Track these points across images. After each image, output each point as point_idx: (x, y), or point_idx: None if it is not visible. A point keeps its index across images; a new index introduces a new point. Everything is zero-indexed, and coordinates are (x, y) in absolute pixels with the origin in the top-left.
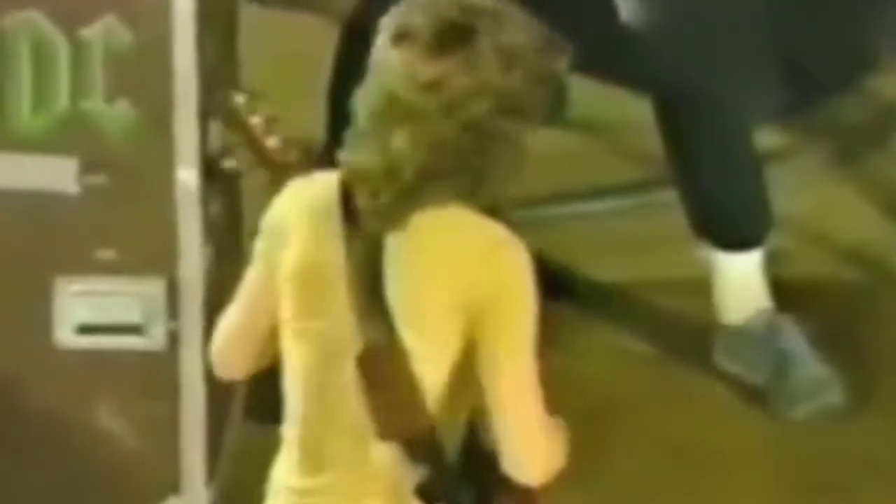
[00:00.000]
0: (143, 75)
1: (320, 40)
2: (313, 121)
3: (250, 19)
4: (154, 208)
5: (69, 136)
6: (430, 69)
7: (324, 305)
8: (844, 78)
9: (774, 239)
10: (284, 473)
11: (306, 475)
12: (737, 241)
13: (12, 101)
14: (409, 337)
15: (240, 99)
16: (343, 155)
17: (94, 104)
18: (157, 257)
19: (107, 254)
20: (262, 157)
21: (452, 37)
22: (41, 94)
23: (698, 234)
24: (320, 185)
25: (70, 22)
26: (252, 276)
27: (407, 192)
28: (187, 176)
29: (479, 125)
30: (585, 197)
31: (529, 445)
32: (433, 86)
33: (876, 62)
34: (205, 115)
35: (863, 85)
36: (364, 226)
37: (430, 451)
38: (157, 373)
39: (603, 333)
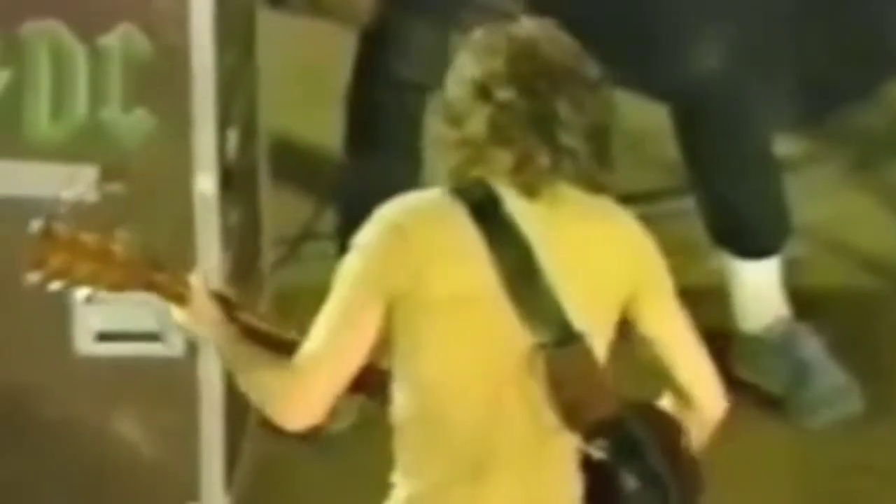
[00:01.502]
0: (162, 83)
1: (338, 48)
2: (331, 128)
3: (268, 27)
4: (172, 216)
5: (88, 144)
6: None
7: (486, 317)
8: (863, 86)
9: (793, 247)
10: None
11: (464, 496)
12: (755, 250)
13: (31, 109)
14: (586, 312)
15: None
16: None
17: (113, 112)
18: (176, 265)
19: None
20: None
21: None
22: (60, 102)
23: (716, 242)
24: (428, 204)
25: (88, 30)
26: (349, 302)
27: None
28: (205, 183)
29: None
30: None
31: (715, 386)
32: None
33: (895, 70)
34: (223, 123)
35: (882, 93)
36: (509, 226)
37: (614, 427)
38: (176, 380)
39: (621, 341)
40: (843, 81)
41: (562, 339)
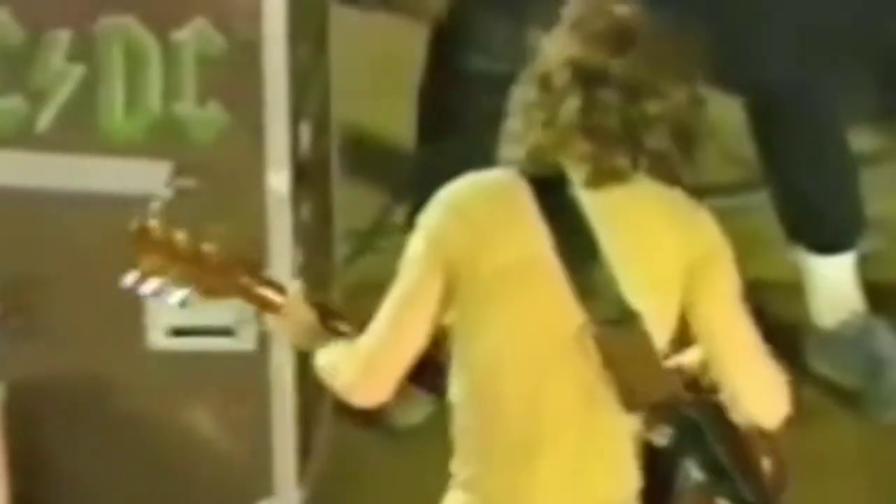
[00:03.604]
0: (235, 78)
1: (410, 41)
2: (403, 121)
3: (341, 21)
4: (245, 211)
5: (161, 139)
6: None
7: (543, 295)
8: None
9: (868, 242)
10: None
11: (513, 475)
12: (830, 244)
13: (105, 104)
14: (643, 296)
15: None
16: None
17: (186, 107)
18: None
19: None
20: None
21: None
22: (134, 97)
23: (791, 236)
24: (490, 182)
25: (162, 25)
26: (412, 285)
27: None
28: (278, 179)
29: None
30: None
31: (776, 386)
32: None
33: None
34: (296, 118)
35: None
36: (567, 206)
37: (678, 414)
38: (248, 375)
39: None
40: None
41: (618, 319)
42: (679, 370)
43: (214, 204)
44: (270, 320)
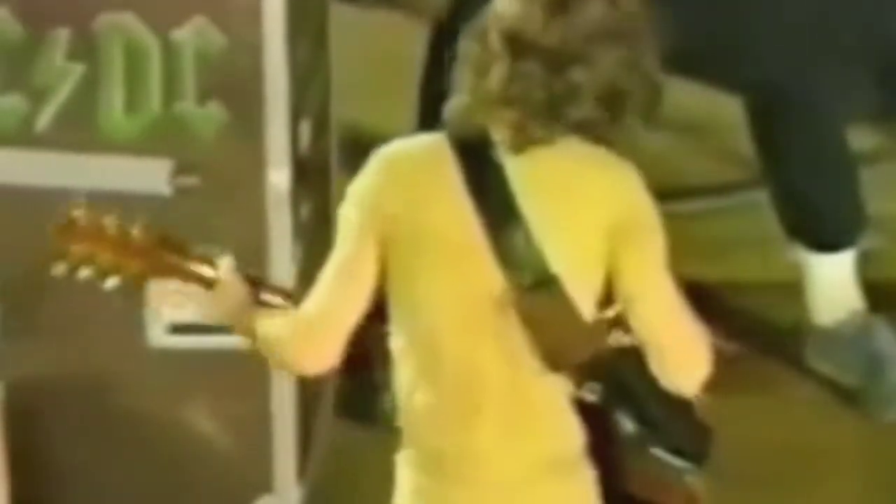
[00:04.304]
0: (235, 76)
1: (411, 40)
2: (403, 119)
3: (341, 19)
4: (245, 209)
5: (161, 137)
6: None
7: (465, 259)
8: None
9: (867, 240)
10: (429, 437)
11: (456, 431)
12: (829, 242)
13: (106, 103)
14: (565, 258)
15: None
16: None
17: (186, 106)
18: (248, 257)
19: None
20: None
21: None
22: (134, 96)
23: (790, 234)
24: (417, 146)
25: (162, 24)
26: (348, 253)
27: (549, 120)
28: (278, 177)
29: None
30: (676, 197)
31: (695, 352)
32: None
33: None
34: (296, 116)
35: None
36: (493, 167)
37: (607, 371)
38: (248, 372)
39: None
40: None
41: (538, 283)
42: (616, 321)
43: (214, 202)
44: (202, 297)
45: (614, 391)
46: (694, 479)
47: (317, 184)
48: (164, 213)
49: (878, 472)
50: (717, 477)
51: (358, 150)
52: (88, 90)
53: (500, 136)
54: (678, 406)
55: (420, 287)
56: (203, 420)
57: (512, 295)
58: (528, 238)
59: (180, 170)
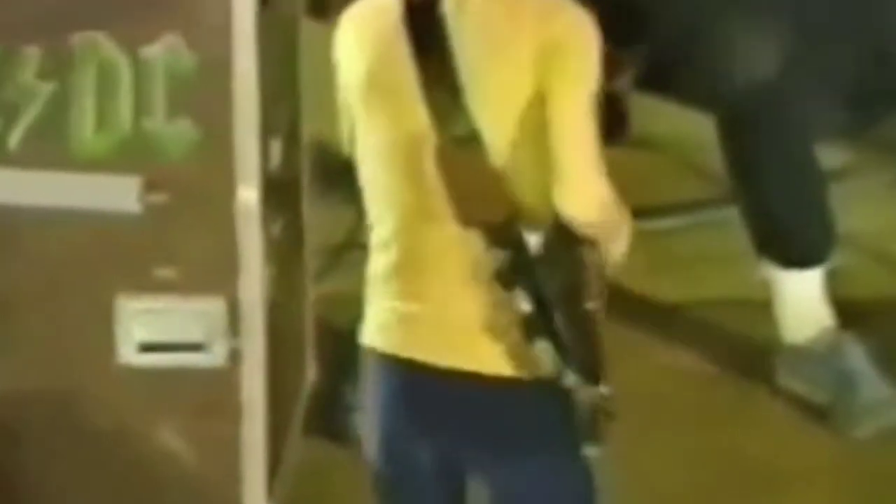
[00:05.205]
0: (205, 94)
1: None
2: None
3: (312, 36)
4: (215, 226)
5: (131, 155)
6: None
7: (401, 108)
8: None
9: (838, 257)
10: (384, 278)
11: (407, 282)
12: (799, 259)
13: (76, 120)
14: (491, 116)
15: None
16: None
17: (156, 123)
18: (218, 275)
19: (168, 272)
20: None
21: None
22: (104, 113)
23: (761, 251)
24: (372, 1)
25: (132, 42)
26: (341, 103)
27: None
28: (249, 194)
29: None
30: (647, 214)
31: (587, 178)
32: None
33: None
34: (266, 134)
35: None
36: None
37: (509, 237)
38: (218, 390)
39: (665, 352)
40: (888, 92)
41: (462, 136)
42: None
43: (185, 219)
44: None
45: (519, 265)
46: (572, 380)
47: (288, 201)
48: (134, 230)
49: (850, 488)
50: (688, 495)
51: (329, 167)
52: (59, 108)
53: None
54: (574, 306)
55: (362, 131)
56: (173, 439)
57: (436, 145)
58: (456, 90)
59: (150, 187)
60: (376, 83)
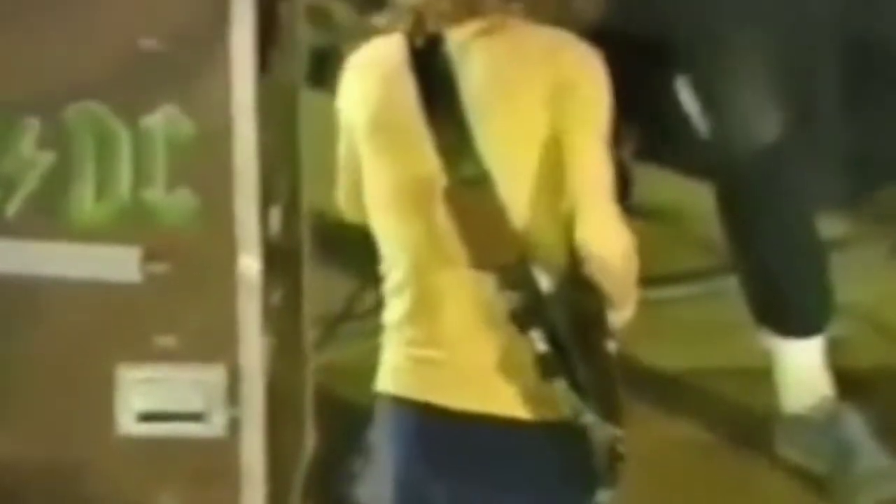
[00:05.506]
0: (204, 163)
1: None
2: None
3: (312, 105)
4: (215, 295)
5: (131, 224)
6: None
7: (409, 151)
8: None
9: (837, 327)
10: (399, 324)
11: (421, 326)
12: (798, 329)
13: (75, 191)
14: (500, 156)
15: None
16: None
17: (156, 193)
18: (218, 344)
19: (168, 341)
20: None
21: None
22: (104, 183)
23: (760, 321)
24: (380, 45)
25: (131, 111)
26: (343, 153)
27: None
28: (248, 263)
29: None
30: (646, 284)
31: (610, 214)
32: None
33: None
34: (266, 202)
35: None
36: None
37: (522, 278)
38: (218, 460)
39: (664, 421)
40: (887, 161)
41: (471, 177)
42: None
43: (184, 289)
44: None
45: (532, 306)
46: (590, 419)
47: (288, 270)
48: (134, 299)
49: None
50: None
51: (329, 236)
52: (58, 178)
53: (448, 26)
54: (592, 336)
55: (370, 176)
56: None
57: (445, 187)
58: (464, 131)
59: (150, 256)
60: (383, 126)
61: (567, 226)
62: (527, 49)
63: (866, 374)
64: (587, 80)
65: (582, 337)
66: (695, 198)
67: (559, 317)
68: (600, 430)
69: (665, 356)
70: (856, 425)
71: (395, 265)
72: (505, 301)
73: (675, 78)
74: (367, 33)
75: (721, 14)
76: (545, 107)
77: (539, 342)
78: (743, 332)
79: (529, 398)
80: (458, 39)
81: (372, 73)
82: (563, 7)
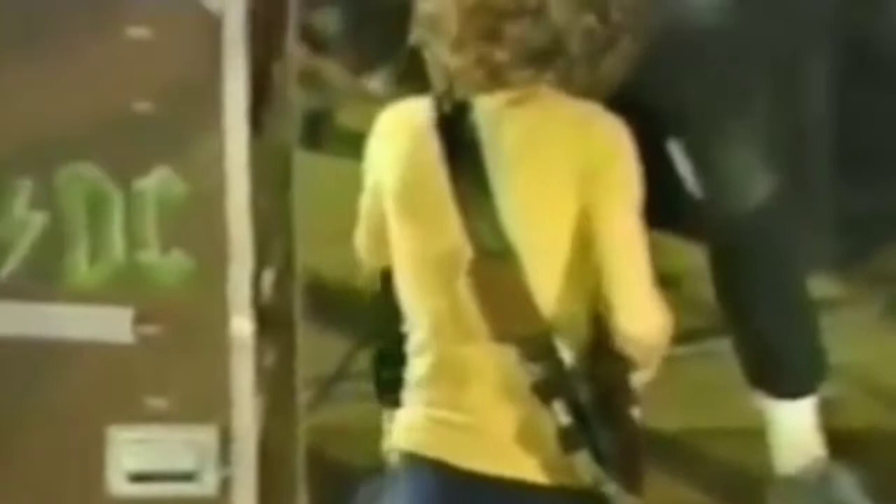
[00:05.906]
0: (198, 225)
1: None
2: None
3: (305, 166)
4: (208, 357)
5: (125, 286)
6: None
7: (434, 222)
8: None
9: (829, 387)
10: (419, 384)
11: (441, 390)
12: (791, 391)
13: (69, 253)
14: (526, 229)
15: None
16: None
17: (149, 255)
18: (210, 405)
19: (160, 402)
20: None
21: None
22: (97, 245)
23: (752, 382)
24: (409, 108)
25: (124, 174)
26: (367, 212)
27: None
28: (241, 325)
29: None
30: None
31: (649, 295)
32: None
33: None
34: (259, 264)
35: None
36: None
37: (544, 351)
38: None
39: (658, 483)
40: (879, 223)
41: (495, 250)
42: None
43: (177, 350)
44: None
45: (555, 379)
46: (611, 490)
47: (280, 332)
48: (127, 360)
49: None
50: None
51: (323, 298)
52: (51, 239)
53: (476, 94)
54: (615, 407)
55: (396, 240)
56: None
57: (467, 259)
58: (490, 202)
59: (142, 318)
60: (410, 194)
61: (593, 298)
62: (557, 122)
63: (858, 434)
64: (619, 153)
65: (606, 406)
66: (688, 259)
67: (582, 388)
68: (622, 501)
69: (659, 417)
70: (848, 486)
71: (416, 326)
72: (527, 373)
73: (668, 141)
74: (360, 96)
75: (711, 81)
76: (575, 180)
77: (562, 414)
78: (737, 393)
79: (550, 466)
80: (487, 108)
81: (400, 135)
82: (592, 73)
